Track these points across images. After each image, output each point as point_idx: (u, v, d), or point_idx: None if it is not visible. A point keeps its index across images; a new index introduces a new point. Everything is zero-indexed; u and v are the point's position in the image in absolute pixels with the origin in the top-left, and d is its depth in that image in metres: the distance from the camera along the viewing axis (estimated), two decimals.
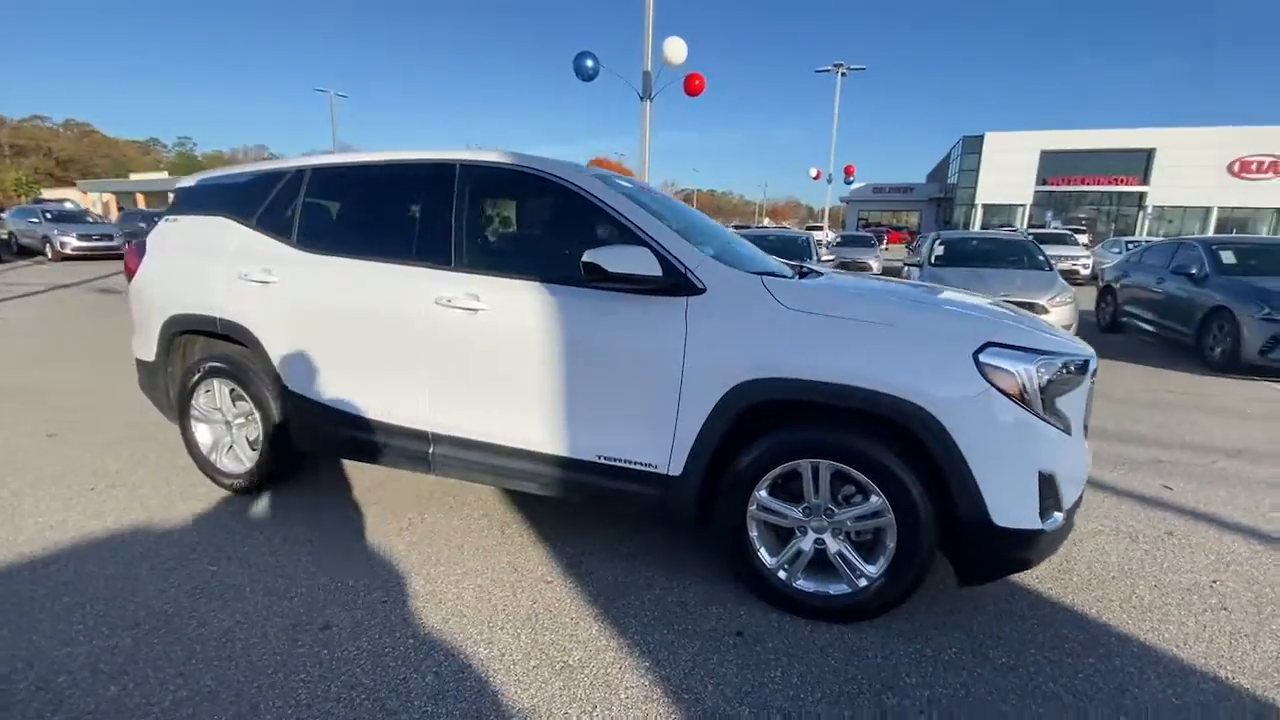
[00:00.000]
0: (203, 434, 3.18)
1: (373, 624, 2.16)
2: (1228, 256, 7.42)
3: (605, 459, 2.37)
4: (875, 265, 14.69)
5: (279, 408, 2.93)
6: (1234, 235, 18.26)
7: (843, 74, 23.71)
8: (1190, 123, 38.05)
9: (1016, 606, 2.32)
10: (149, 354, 3.22)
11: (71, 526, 2.79)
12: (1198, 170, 35.73)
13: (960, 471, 1.96)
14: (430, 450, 2.65)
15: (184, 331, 3.12)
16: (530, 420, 2.47)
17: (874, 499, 2.08)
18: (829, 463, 2.10)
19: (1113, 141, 37.18)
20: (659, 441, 2.29)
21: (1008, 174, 38.71)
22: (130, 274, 3.29)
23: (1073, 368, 2.06)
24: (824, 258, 13.97)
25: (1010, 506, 1.97)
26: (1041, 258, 8.39)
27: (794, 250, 9.73)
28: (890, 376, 1.99)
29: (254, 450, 3.08)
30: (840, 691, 1.88)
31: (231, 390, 3.05)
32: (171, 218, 3.27)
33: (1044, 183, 38.81)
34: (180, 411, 3.17)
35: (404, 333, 2.61)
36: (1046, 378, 1.98)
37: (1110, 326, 8.98)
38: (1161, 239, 10.68)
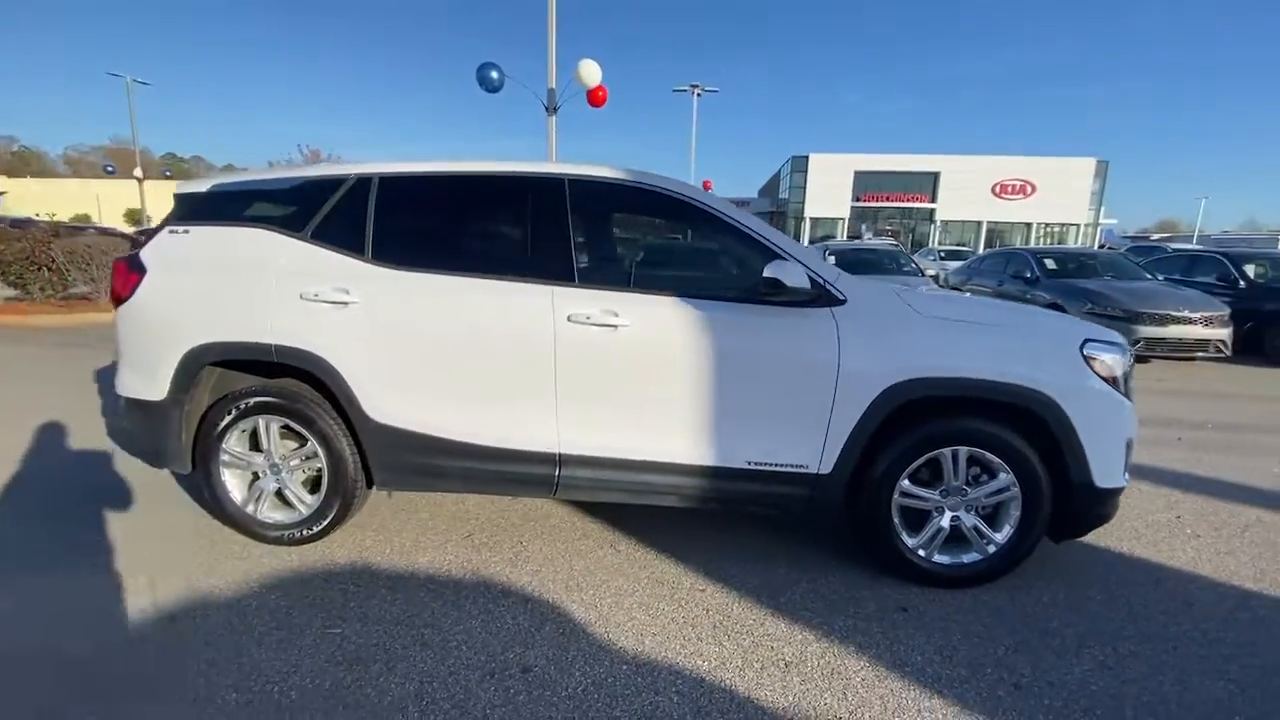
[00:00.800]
0: (235, 482, 2.73)
1: (573, 658, 2.06)
2: (1050, 263, 9.25)
3: (755, 464, 2.48)
4: None
5: (353, 442, 2.61)
6: (1051, 246, 22.03)
7: (698, 95, 25.30)
8: (965, 151, 45.84)
9: (1079, 557, 2.82)
10: (155, 392, 2.67)
11: (113, 612, 2.26)
12: (971, 191, 43.20)
13: (1074, 443, 2.38)
14: (557, 473, 2.55)
15: (216, 363, 2.65)
16: (675, 433, 2.49)
17: (1002, 476, 2.44)
18: (966, 448, 2.42)
19: (907, 165, 43.70)
20: (811, 443, 2.45)
21: (829, 191, 43.79)
22: (120, 296, 2.71)
23: (1134, 356, 2.59)
24: None
25: (1108, 469, 2.43)
26: (911, 265, 9.79)
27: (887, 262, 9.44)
28: (1019, 369, 2.36)
29: (314, 493, 2.70)
30: (1015, 642, 2.19)
31: (283, 428, 2.66)
32: (178, 228, 2.75)
33: (858, 199, 44.46)
34: (202, 459, 2.68)
35: (529, 352, 2.49)
36: (1125, 365, 2.48)
37: None
38: (998, 249, 12.46)
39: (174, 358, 2.61)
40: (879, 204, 44.92)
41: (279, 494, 2.74)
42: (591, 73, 9.62)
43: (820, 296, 2.43)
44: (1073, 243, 42.91)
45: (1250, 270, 9.01)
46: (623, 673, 2.00)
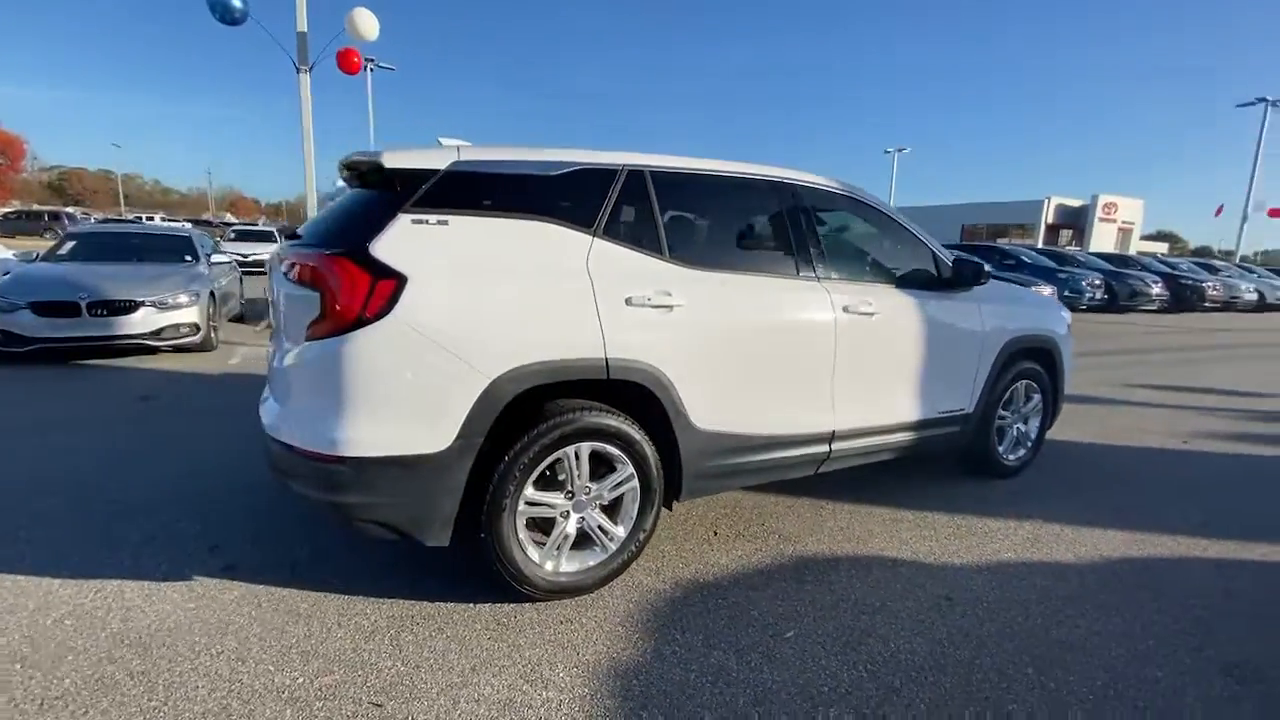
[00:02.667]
0: (529, 535, 2.20)
1: (965, 586, 2.54)
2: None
3: (942, 412, 3.26)
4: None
5: (667, 457, 2.42)
6: None
7: (372, 70, 22.77)
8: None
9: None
10: (432, 442, 1.95)
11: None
12: None
13: (1063, 371, 3.85)
14: (829, 449, 2.86)
15: (533, 390, 2.07)
16: (903, 397, 3.09)
17: (1035, 396, 3.76)
18: (1029, 382, 3.67)
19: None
20: (967, 390, 3.35)
21: None
22: (354, 314, 1.86)
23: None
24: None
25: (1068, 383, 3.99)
26: None
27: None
28: (1050, 327, 3.70)
29: (620, 523, 2.38)
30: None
31: (593, 454, 2.27)
32: (427, 218, 2.00)
33: None
34: (493, 514, 2.09)
35: (817, 341, 2.73)
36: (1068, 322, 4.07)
37: None
38: None
39: (470, 391, 1.98)
40: None
41: (577, 538, 2.31)
42: (368, 24, 8.17)
43: (952, 281, 3.33)
44: None
45: None
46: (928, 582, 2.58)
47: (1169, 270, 18.31)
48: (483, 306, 2.03)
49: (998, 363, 3.43)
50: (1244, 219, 22.83)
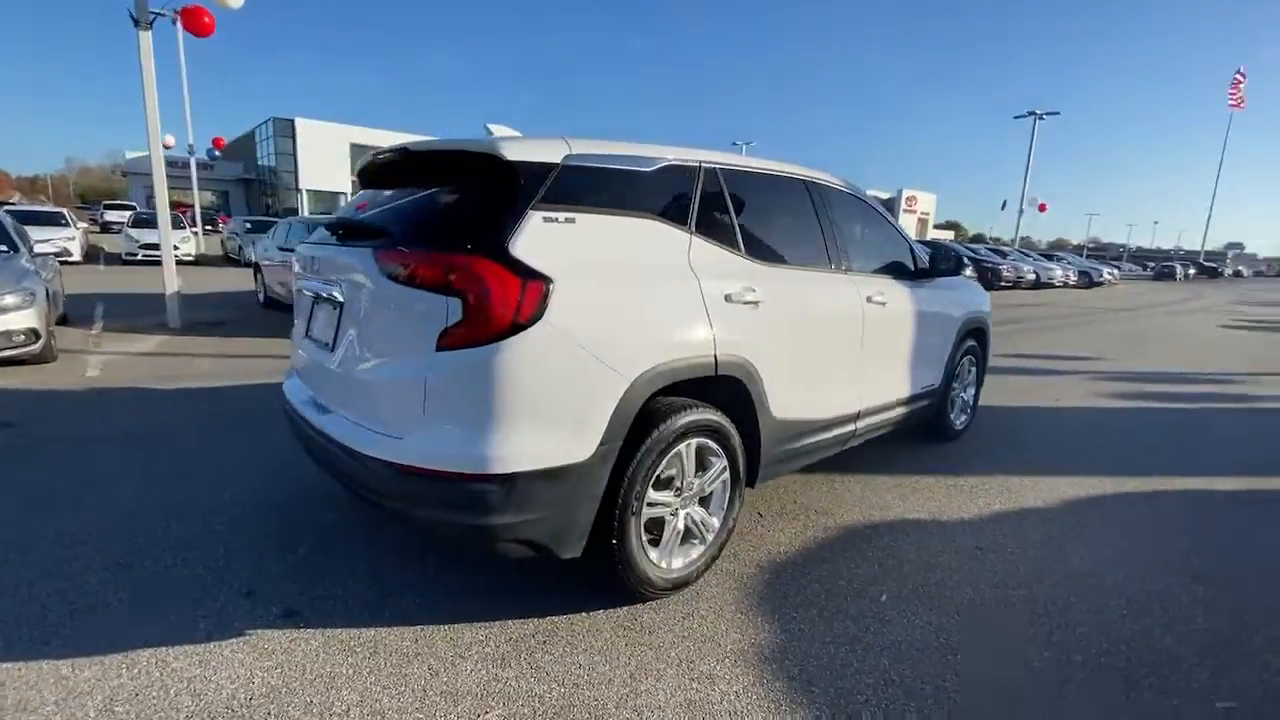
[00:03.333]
0: (646, 537, 2.18)
1: (989, 539, 2.94)
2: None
3: (923, 388, 3.69)
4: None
5: (749, 447, 2.51)
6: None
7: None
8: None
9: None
10: (579, 451, 1.85)
11: None
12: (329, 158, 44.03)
13: (989, 345, 4.52)
14: (855, 428, 3.13)
15: (661, 391, 2.03)
16: (901, 376, 3.45)
17: (973, 369, 4.38)
18: (970, 356, 4.26)
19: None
20: (939, 367, 3.82)
21: (327, 162, 40.34)
22: (507, 319, 1.70)
23: None
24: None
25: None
26: None
27: None
28: (984, 308, 4.31)
29: (714, 514, 2.43)
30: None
31: (699, 449, 2.29)
32: (560, 215, 1.87)
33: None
34: (624, 518, 2.04)
35: (852, 329, 2.97)
36: None
37: (267, 302, 9.38)
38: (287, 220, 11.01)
39: (614, 394, 1.93)
40: None
41: (687, 534, 2.33)
42: None
43: (937, 271, 3.77)
44: None
45: None
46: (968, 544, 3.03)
47: (972, 254, 21.69)
48: (617, 308, 1.97)
49: (957, 341, 3.95)
50: (1020, 212, 27.74)
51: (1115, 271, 34.38)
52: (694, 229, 2.31)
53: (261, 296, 9.73)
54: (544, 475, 1.83)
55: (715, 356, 2.22)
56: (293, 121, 39.47)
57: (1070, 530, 3.02)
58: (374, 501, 1.93)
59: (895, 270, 3.48)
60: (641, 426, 2.05)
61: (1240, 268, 71.08)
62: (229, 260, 19.53)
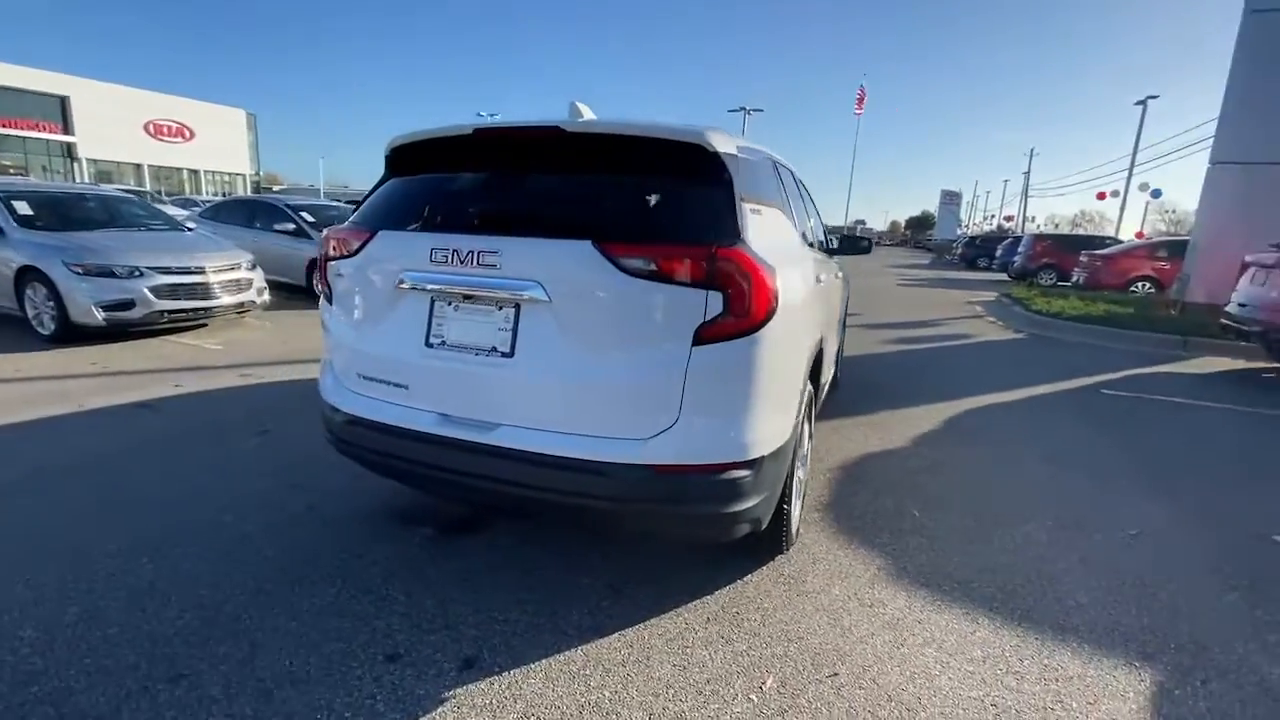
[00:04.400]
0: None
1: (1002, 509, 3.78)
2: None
3: (838, 350, 4.45)
4: None
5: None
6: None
7: None
8: (106, 78, 37.74)
9: None
10: (786, 432, 1.99)
11: None
12: (120, 126, 36.81)
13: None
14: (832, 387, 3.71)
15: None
16: (837, 342, 4.13)
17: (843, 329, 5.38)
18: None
19: (21, 80, 32.76)
20: (840, 330, 4.64)
21: None
22: (758, 312, 1.75)
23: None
24: None
25: None
26: (162, 219, 7.26)
27: None
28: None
29: (801, 467, 2.74)
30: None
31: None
32: (751, 207, 1.92)
33: None
34: (789, 480, 2.23)
35: (832, 299, 3.50)
36: None
37: None
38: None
39: (801, 372, 2.12)
40: None
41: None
42: None
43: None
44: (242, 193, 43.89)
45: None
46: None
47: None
48: (798, 291, 2.13)
49: (842, 307, 4.81)
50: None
51: None
52: (792, 216, 2.54)
53: None
54: (773, 455, 1.94)
55: (822, 330, 2.52)
56: None
57: (969, 439, 4.07)
58: (611, 510, 1.82)
59: (829, 248, 4.13)
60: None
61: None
62: None
